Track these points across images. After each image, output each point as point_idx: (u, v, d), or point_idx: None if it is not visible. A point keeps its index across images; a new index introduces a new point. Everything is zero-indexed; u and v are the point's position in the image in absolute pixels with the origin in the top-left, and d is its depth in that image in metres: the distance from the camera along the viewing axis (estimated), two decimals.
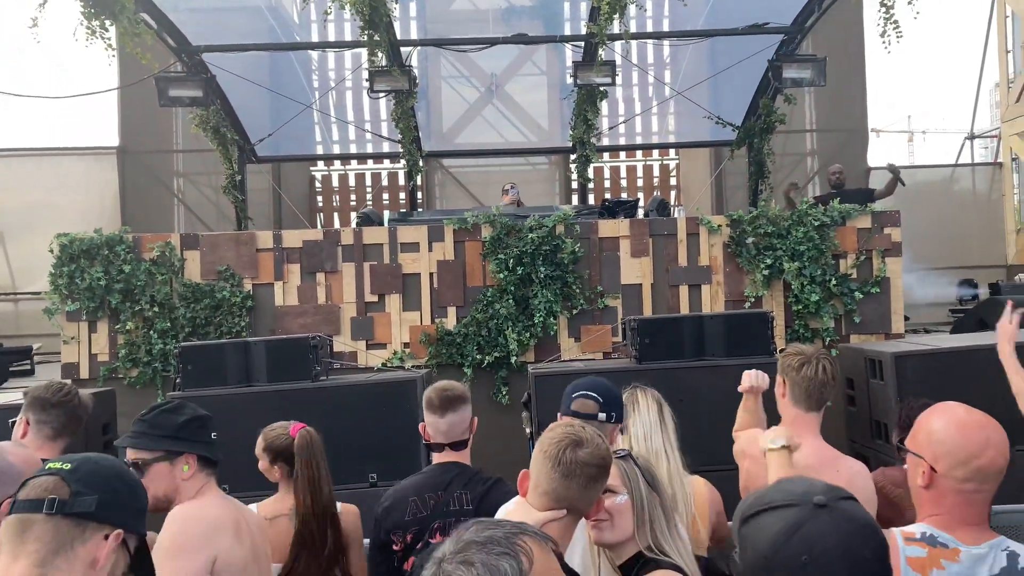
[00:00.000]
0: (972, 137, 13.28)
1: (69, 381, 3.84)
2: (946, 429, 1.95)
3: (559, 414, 2.74)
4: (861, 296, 6.67)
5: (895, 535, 1.95)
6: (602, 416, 2.65)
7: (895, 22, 7.84)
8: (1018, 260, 10.96)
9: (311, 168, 13.50)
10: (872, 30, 8.57)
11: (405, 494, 3.01)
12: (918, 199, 10.48)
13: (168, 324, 6.59)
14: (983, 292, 9.20)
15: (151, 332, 6.59)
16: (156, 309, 6.60)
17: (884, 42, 8.02)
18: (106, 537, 1.62)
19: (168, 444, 2.49)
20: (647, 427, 2.78)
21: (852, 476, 2.76)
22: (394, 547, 2.97)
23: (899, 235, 6.81)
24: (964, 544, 1.90)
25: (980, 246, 11.41)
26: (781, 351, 3.23)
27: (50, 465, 1.66)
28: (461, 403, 3.05)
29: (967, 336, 6.26)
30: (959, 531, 1.92)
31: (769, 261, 6.66)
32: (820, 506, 1.35)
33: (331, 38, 11.47)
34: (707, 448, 3.31)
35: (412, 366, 6.54)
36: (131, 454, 2.52)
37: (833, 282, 6.64)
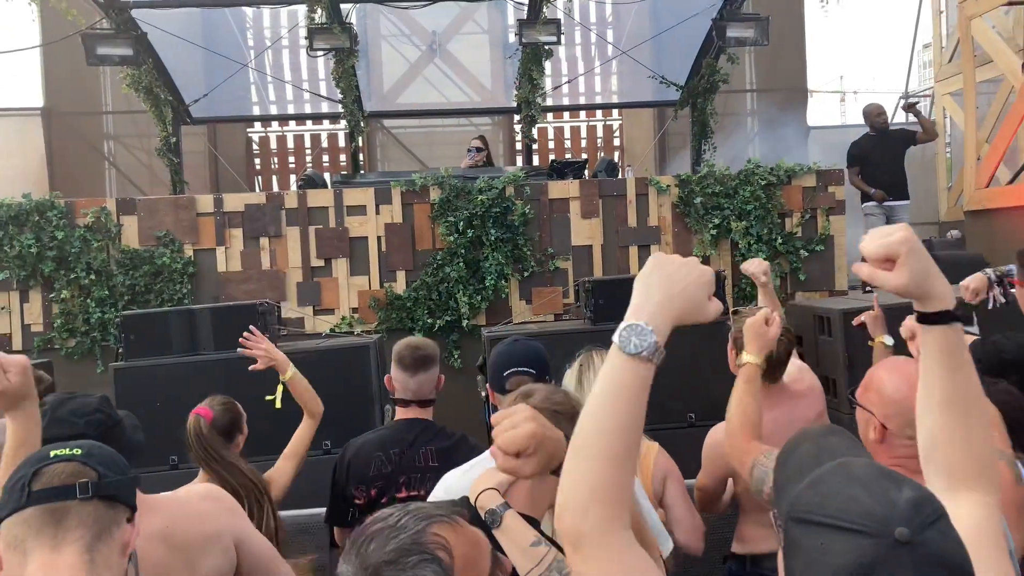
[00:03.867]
0: (906, 97, 13.53)
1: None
2: (897, 388, 1.98)
3: (492, 390, 2.70)
4: (806, 254, 6.78)
5: None
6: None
7: None
8: (949, 217, 11.26)
9: (248, 130, 13.10)
10: None
11: (370, 448, 3.00)
12: None
13: (106, 292, 6.36)
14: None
15: (88, 301, 6.36)
16: (93, 277, 6.36)
17: (823, 2, 8.11)
18: (128, 520, 1.57)
19: None
20: None
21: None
22: (356, 500, 2.96)
23: (843, 193, 6.92)
24: None
25: (913, 204, 11.68)
26: (733, 312, 3.25)
27: (55, 452, 1.56)
28: (432, 363, 3.07)
29: None
30: (914, 478, 1.95)
31: (717, 221, 6.71)
32: (903, 543, 1.04)
33: None
34: (659, 406, 3.32)
35: (361, 331, 6.44)
36: None
37: (779, 241, 6.73)
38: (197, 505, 2.26)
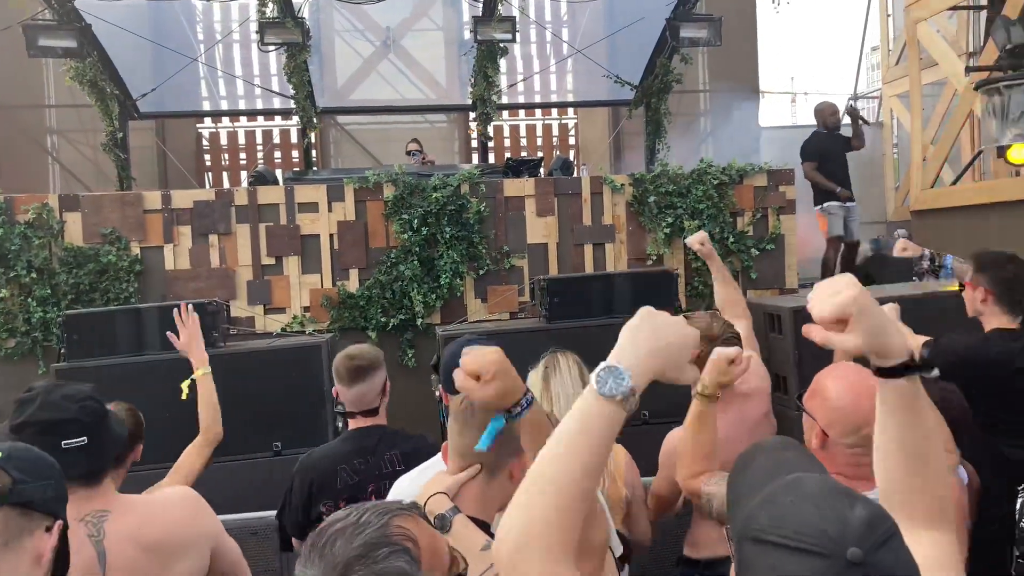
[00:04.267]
0: (855, 98, 13.80)
1: None
2: (839, 396, 1.99)
3: (441, 393, 2.67)
4: (757, 252, 6.86)
5: None
6: None
7: None
8: (897, 216, 11.52)
9: (198, 125, 12.88)
10: None
11: (333, 463, 2.96)
12: None
13: (48, 291, 6.17)
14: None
15: (29, 300, 6.16)
16: (34, 275, 6.17)
17: (775, 3, 8.22)
18: (47, 529, 1.49)
19: None
20: (567, 388, 2.76)
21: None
22: (324, 515, 2.92)
23: (793, 192, 7.01)
24: None
25: (862, 203, 11.92)
26: (684, 315, 3.26)
27: None
28: (369, 372, 3.01)
29: None
30: (852, 486, 1.96)
31: (670, 219, 6.75)
32: (856, 564, 1.03)
33: None
34: None
35: (313, 331, 6.36)
36: None
37: (731, 239, 6.80)
38: (173, 508, 2.23)
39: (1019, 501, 2.29)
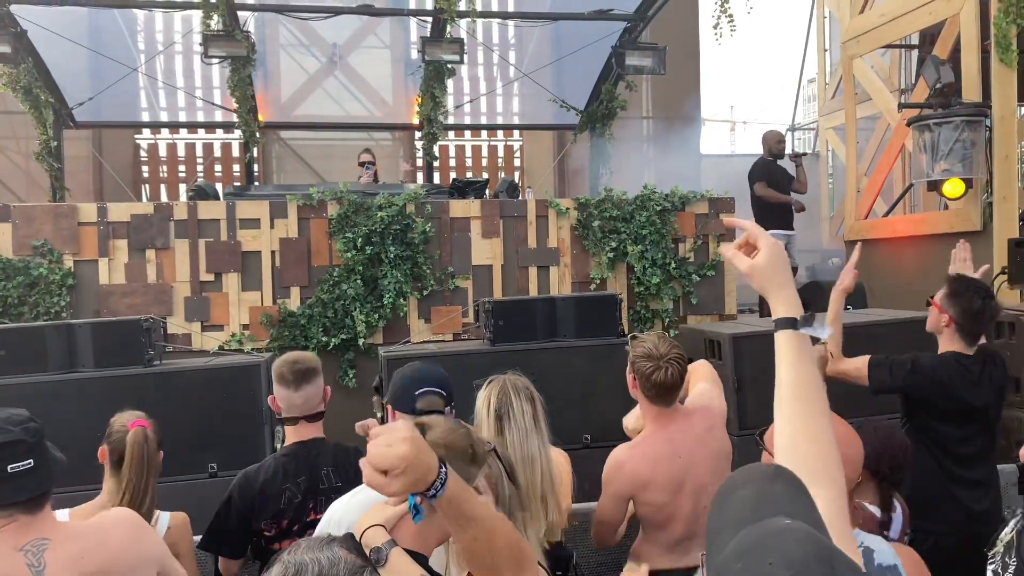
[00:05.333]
0: (793, 129, 14.17)
1: None
2: None
3: (393, 411, 2.64)
4: (698, 279, 6.97)
5: None
6: (448, 409, 2.61)
7: (730, 15, 8.24)
8: (830, 245, 11.83)
9: (136, 136, 12.58)
10: (707, 22, 8.89)
11: (276, 481, 2.91)
12: (743, 186, 11.05)
13: None
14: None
15: None
16: None
17: (717, 34, 8.40)
18: None
19: None
20: (522, 432, 2.66)
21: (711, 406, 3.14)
22: (265, 532, 2.89)
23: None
24: None
25: (796, 231, 12.22)
26: (630, 336, 3.30)
27: None
28: (314, 375, 3.00)
29: None
30: None
31: (614, 244, 6.83)
32: None
33: None
34: (558, 428, 3.33)
35: (252, 349, 6.24)
36: None
37: (673, 265, 6.90)
38: (115, 532, 2.15)
39: (990, 570, 2.26)
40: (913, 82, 10.11)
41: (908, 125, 7.28)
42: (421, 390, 2.61)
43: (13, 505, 1.99)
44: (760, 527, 1.11)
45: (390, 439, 1.50)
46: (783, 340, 1.55)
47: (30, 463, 1.99)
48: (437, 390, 2.63)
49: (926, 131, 6.92)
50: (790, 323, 1.56)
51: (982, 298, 3.41)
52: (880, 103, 8.89)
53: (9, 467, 1.95)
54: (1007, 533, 2.19)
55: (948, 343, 3.44)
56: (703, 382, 3.27)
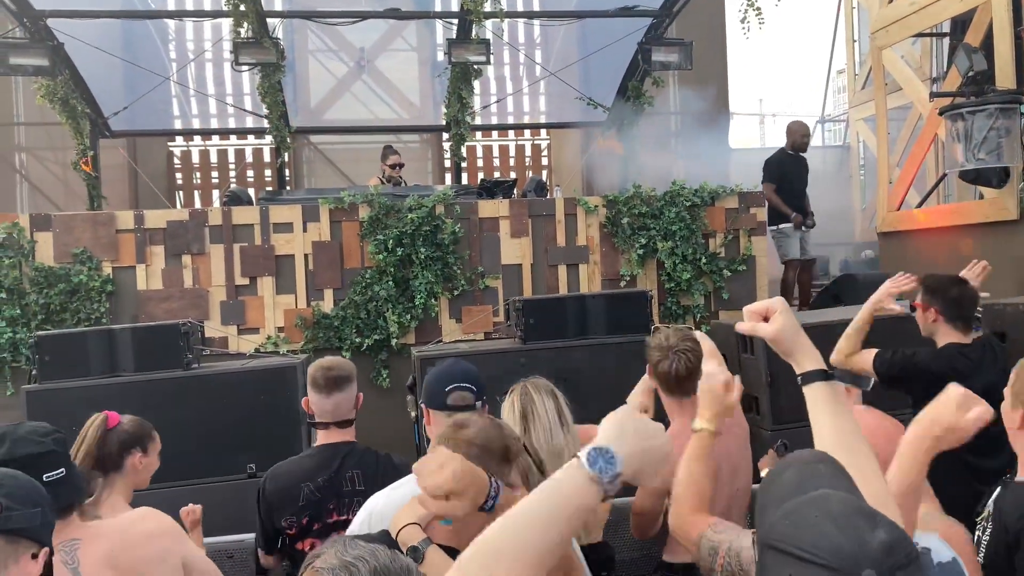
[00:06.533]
0: (822, 121, 14.05)
1: None
2: None
3: (428, 409, 2.67)
4: (729, 274, 6.95)
5: None
6: (478, 404, 2.62)
7: (757, 8, 8.19)
8: (863, 237, 11.70)
9: (169, 144, 12.79)
10: (733, 15, 8.84)
11: (296, 480, 2.95)
12: None
13: (18, 311, 6.10)
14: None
15: None
16: (3, 295, 6.10)
17: (744, 27, 8.35)
18: (34, 556, 1.49)
19: None
20: (547, 429, 2.72)
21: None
22: (288, 531, 2.93)
23: (764, 215, 7.12)
24: None
25: (830, 224, 12.10)
26: (653, 329, 3.31)
27: None
28: (347, 382, 3.02)
29: (826, 311, 6.63)
30: None
31: (643, 241, 6.83)
32: None
33: (189, 6, 10.89)
34: (581, 421, 3.36)
35: (287, 351, 6.33)
36: None
37: (703, 260, 6.88)
38: (140, 528, 2.24)
39: (976, 535, 2.36)
40: (945, 70, 9.96)
41: (940, 114, 7.18)
42: (451, 387, 2.63)
43: None
44: (805, 496, 1.18)
45: (436, 461, 1.52)
46: (818, 392, 1.61)
47: (62, 472, 2.07)
48: (467, 386, 2.65)
49: (959, 120, 6.83)
50: (823, 375, 1.63)
51: (956, 284, 3.56)
52: (911, 93, 8.79)
53: (44, 476, 2.01)
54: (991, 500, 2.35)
55: (944, 337, 3.54)
56: (709, 361, 3.24)
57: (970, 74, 6.84)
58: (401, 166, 9.05)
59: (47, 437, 2.08)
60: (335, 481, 2.93)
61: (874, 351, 3.54)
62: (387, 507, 2.31)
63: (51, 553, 1.59)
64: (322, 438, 3.05)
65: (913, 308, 3.62)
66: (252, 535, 3.19)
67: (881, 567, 1.05)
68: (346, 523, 2.75)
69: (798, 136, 8.34)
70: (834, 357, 3.61)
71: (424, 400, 2.71)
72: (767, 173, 8.15)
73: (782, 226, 7.92)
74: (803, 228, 8.00)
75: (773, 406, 5.08)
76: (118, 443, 2.77)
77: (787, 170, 8.17)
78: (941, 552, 2.06)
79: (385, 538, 1.92)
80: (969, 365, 3.39)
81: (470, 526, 1.91)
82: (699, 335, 2.78)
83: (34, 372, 4.77)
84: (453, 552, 1.86)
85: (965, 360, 3.42)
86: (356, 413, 3.09)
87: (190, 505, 3.21)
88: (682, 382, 2.99)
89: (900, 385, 3.51)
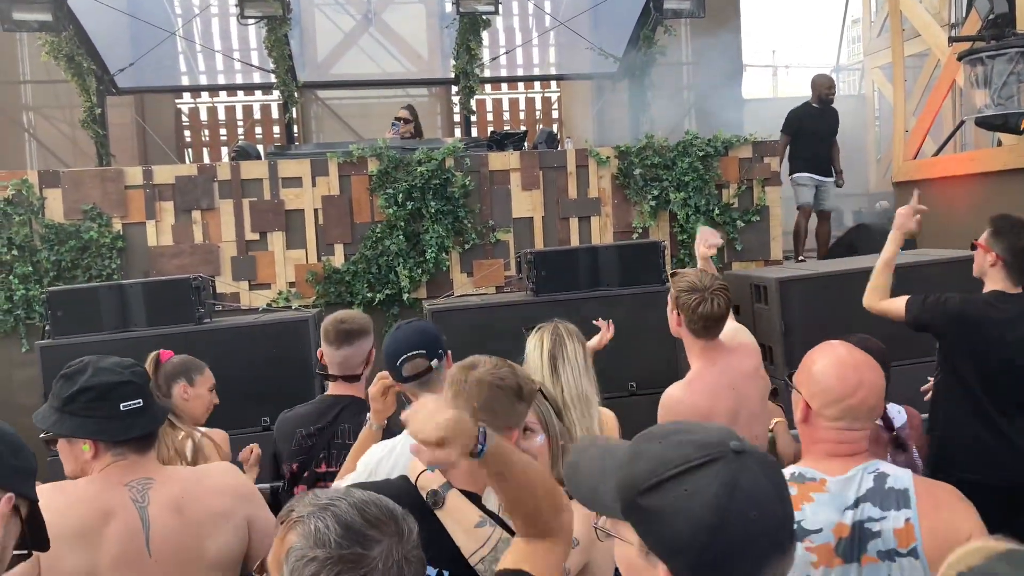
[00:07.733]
0: (837, 70, 13.79)
1: None
2: (824, 369, 2.00)
3: (390, 379, 2.63)
4: (743, 224, 6.88)
5: None
6: (435, 362, 2.57)
7: None
8: (878, 188, 11.56)
9: (177, 100, 12.68)
10: None
11: (292, 425, 3.02)
12: None
13: (30, 268, 6.12)
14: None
15: (11, 277, 6.11)
16: (15, 252, 6.11)
17: None
18: None
19: (55, 421, 2.09)
20: (576, 373, 2.72)
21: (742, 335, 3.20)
22: (284, 477, 2.98)
23: (778, 164, 7.04)
24: (830, 475, 1.94)
25: (845, 175, 11.96)
26: (671, 274, 3.28)
27: None
28: (358, 336, 3.01)
29: (842, 260, 6.57)
30: (826, 463, 1.97)
31: (656, 192, 6.76)
32: (739, 452, 1.15)
33: None
34: (604, 376, 3.34)
35: (299, 306, 6.33)
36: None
37: (716, 211, 6.81)
38: (212, 482, 2.24)
39: None
40: (964, 15, 9.74)
41: (959, 59, 7.02)
42: (401, 359, 2.56)
43: (125, 443, 2.10)
44: (631, 443, 1.28)
45: (428, 409, 1.50)
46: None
47: (139, 403, 2.10)
48: (416, 352, 2.57)
49: (978, 64, 6.67)
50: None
51: None
52: (929, 39, 8.59)
53: (122, 405, 2.06)
54: None
55: (993, 283, 3.42)
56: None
57: (991, 17, 6.67)
58: (404, 120, 8.91)
59: (127, 369, 2.13)
60: (328, 431, 2.96)
61: (906, 297, 3.46)
62: (385, 465, 2.32)
63: (31, 501, 1.53)
64: (330, 390, 3.07)
65: (974, 247, 3.51)
66: (267, 486, 3.21)
67: (734, 437, 1.18)
68: (334, 475, 2.74)
69: (823, 89, 8.26)
70: (867, 299, 3.55)
71: (386, 366, 2.66)
72: (785, 125, 8.12)
73: (796, 175, 7.92)
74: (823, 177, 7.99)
75: (787, 356, 5.06)
76: (164, 375, 3.11)
77: (806, 124, 8.10)
78: (899, 480, 1.98)
79: (404, 483, 1.92)
80: (1007, 313, 3.32)
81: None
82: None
83: (47, 328, 4.79)
84: (470, 495, 1.87)
85: (1001, 309, 3.33)
86: (367, 369, 3.07)
87: (250, 445, 3.36)
88: (718, 321, 2.99)
89: (932, 329, 3.45)
